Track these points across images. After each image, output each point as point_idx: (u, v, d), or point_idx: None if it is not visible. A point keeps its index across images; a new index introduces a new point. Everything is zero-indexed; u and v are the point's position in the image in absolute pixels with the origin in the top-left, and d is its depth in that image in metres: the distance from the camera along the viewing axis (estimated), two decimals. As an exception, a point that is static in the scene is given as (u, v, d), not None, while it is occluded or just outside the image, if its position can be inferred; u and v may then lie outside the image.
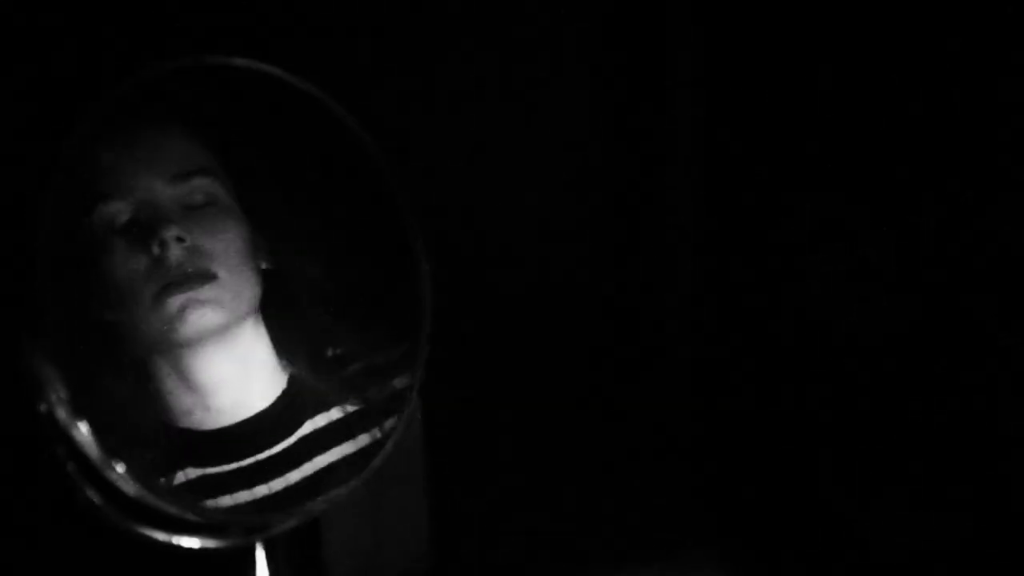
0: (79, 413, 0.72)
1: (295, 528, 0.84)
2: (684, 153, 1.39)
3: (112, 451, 0.73)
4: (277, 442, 0.80)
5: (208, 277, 0.73)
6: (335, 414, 0.83)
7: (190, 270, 0.73)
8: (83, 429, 0.73)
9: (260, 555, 0.86)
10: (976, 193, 1.15)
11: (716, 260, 1.41)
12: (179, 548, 0.80)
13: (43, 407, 0.73)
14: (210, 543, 0.80)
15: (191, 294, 0.73)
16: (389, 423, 0.82)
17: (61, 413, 0.72)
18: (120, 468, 0.74)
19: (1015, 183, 1.12)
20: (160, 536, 0.79)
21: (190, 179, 0.74)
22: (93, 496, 0.78)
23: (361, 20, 1.25)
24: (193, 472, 0.80)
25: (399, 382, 0.82)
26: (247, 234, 0.77)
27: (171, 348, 0.74)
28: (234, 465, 0.79)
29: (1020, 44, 1.10)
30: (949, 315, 1.18)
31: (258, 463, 0.79)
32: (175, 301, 0.72)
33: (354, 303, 0.84)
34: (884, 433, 1.25)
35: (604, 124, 1.41)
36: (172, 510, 0.76)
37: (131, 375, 0.77)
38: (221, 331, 0.75)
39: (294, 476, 0.80)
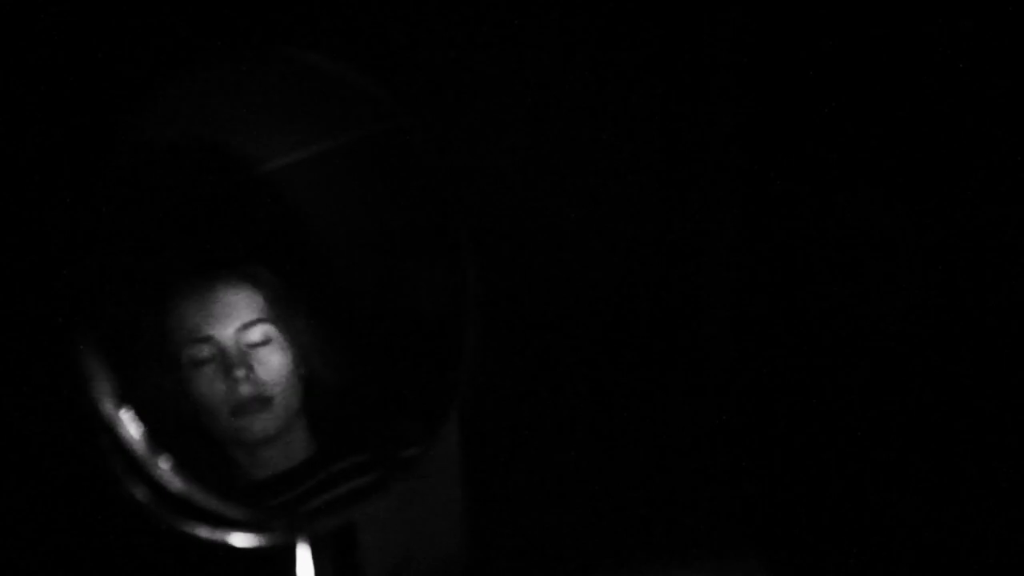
0: (125, 406, 0.75)
1: (334, 530, 0.85)
2: (720, 153, 1.39)
3: (158, 445, 0.81)
4: (307, 479, 1.06)
5: (266, 402, 1.02)
6: (358, 458, 1.08)
7: (254, 398, 1.01)
8: (129, 423, 0.74)
9: (303, 554, 0.85)
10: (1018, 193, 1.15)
11: (751, 259, 1.40)
12: (223, 545, 0.79)
13: (89, 401, 0.74)
14: (255, 541, 0.80)
15: (255, 415, 1.02)
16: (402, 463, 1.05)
17: (107, 407, 0.73)
18: (165, 463, 0.75)
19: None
20: (205, 533, 0.79)
21: (253, 327, 1.03)
22: (138, 492, 0.78)
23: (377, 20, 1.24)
24: None
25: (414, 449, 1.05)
26: (290, 356, 1.05)
27: (241, 444, 1.03)
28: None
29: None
30: (996, 314, 1.18)
31: (290, 498, 1.04)
32: (244, 419, 1.01)
33: (375, 396, 1.08)
34: (910, 434, 1.25)
35: (641, 124, 1.40)
36: (217, 506, 0.76)
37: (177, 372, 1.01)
38: (277, 432, 1.05)
39: (323, 498, 1.05)
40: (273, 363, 1.03)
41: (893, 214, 1.25)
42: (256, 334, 1.03)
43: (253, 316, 1.04)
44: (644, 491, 1.35)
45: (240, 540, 0.81)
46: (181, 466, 0.78)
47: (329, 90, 0.95)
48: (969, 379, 1.18)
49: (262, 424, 1.02)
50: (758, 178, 1.39)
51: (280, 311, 1.05)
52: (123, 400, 0.75)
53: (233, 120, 1.02)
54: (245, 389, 1.01)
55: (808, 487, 1.33)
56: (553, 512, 1.29)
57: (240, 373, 1.01)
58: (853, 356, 1.29)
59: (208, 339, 1.01)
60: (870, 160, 1.27)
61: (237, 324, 1.02)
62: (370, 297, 1.10)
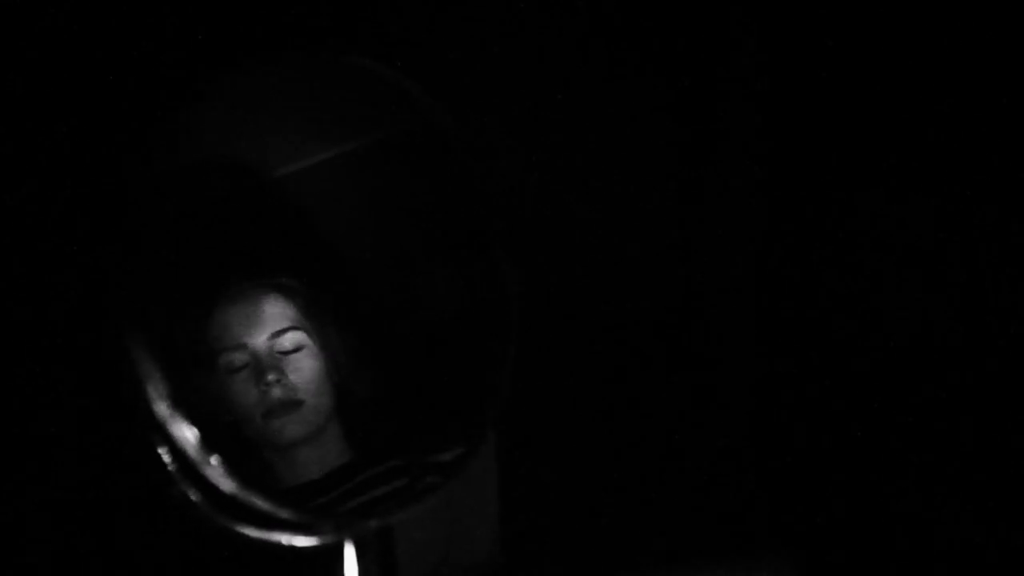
0: (178, 407, 0.76)
1: (374, 532, 0.86)
2: (744, 158, 1.39)
3: (208, 445, 0.83)
4: (343, 483, 1.11)
5: (297, 405, 1.08)
6: (395, 463, 1.13)
7: (285, 401, 1.07)
8: (182, 423, 0.75)
9: (349, 554, 0.86)
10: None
11: (776, 262, 1.40)
12: (271, 544, 0.80)
13: (142, 403, 0.74)
14: (302, 540, 0.81)
15: (286, 418, 1.07)
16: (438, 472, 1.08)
17: (160, 408, 0.74)
18: (215, 461, 0.76)
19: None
20: (254, 533, 0.80)
21: (284, 334, 1.09)
22: (191, 492, 0.78)
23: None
24: None
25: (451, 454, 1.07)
26: (322, 363, 1.11)
27: (274, 447, 1.09)
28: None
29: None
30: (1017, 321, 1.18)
31: (328, 500, 1.09)
32: (276, 422, 1.07)
33: (411, 401, 1.11)
34: (941, 439, 1.24)
35: (660, 127, 1.40)
36: (266, 506, 0.77)
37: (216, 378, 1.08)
38: (309, 436, 1.10)
39: (361, 500, 1.10)
40: (304, 369, 1.09)
41: (913, 215, 1.25)
42: (287, 341, 1.09)
43: (285, 324, 1.09)
44: (675, 492, 1.35)
45: (289, 540, 0.81)
46: (230, 467, 0.78)
47: (358, 87, 0.98)
48: (994, 379, 1.18)
49: (293, 427, 1.07)
50: (777, 180, 1.39)
51: (312, 320, 1.11)
52: (175, 402, 0.77)
53: (265, 124, 1.05)
54: (276, 393, 1.07)
55: (836, 487, 1.33)
56: (586, 514, 1.30)
57: (271, 378, 1.07)
58: (882, 355, 1.30)
59: (242, 347, 1.08)
60: (889, 161, 1.27)
61: (269, 332, 1.08)
62: (404, 303, 1.13)
